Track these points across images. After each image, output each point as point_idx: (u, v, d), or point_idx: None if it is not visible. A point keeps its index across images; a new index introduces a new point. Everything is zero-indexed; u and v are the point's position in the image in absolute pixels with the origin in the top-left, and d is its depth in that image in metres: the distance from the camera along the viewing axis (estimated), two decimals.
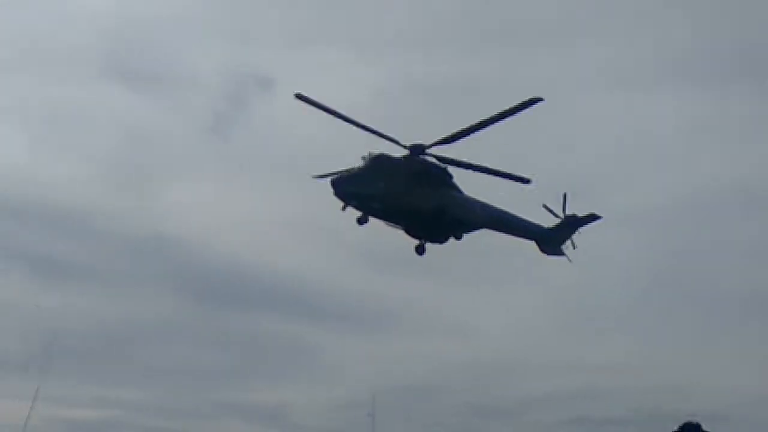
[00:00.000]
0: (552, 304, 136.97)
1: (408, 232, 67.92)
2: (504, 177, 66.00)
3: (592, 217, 73.66)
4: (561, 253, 73.41)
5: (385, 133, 64.67)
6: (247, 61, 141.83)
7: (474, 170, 66.05)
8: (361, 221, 64.73)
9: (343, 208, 64.14)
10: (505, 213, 71.14)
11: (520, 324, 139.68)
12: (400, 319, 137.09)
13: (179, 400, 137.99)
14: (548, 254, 73.27)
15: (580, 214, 73.49)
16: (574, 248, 73.63)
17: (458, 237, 68.23)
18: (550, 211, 73.23)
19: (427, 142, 65.77)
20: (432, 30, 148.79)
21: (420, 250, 68.41)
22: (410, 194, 65.50)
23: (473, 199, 69.09)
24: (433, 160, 66.44)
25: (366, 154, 65.52)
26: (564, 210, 73.39)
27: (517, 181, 66.02)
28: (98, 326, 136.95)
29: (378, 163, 65.00)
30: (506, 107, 61.86)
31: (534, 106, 61.03)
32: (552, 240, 73.12)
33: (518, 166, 66.00)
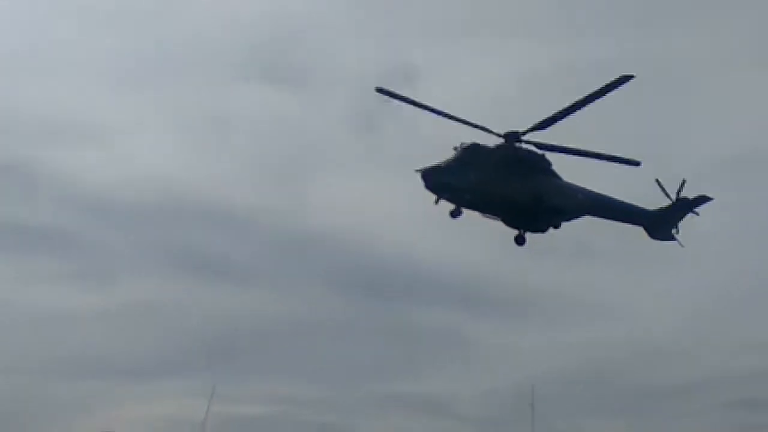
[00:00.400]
0: (708, 283, 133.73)
1: (506, 222, 65.93)
2: (610, 160, 63.30)
3: (703, 199, 70.32)
4: (671, 237, 69.95)
5: (476, 123, 62.68)
6: (392, 54, 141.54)
7: (576, 155, 63.65)
8: (454, 214, 62.83)
9: (436, 201, 62.48)
10: (609, 198, 68.06)
11: (678, 305, 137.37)
12: (554, 306, 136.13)
13: (344, 394, 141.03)
14: (658, 239, 70.33)
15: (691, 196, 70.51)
16: (677, 232, 70.57)
17: (556, 225, 66.17)
18: (663, 189, 69.94)
19: (522, 129, 63.51)
20: (577, 15, 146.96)
21: (520, 240, 66.14)
22: (504, 183, 63.28)
23: (573, 185, 66.48)
24: (531, 147, 64.68)
25: (458, 144, 64.54)
26: (678, 193, 69.83)
27: (624, 163, 63.09)
28: (265, 324, 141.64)
29: (470, 153, 62.98)
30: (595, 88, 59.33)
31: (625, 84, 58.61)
32: (661, 224, 69.67)
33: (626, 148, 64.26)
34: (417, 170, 64.09)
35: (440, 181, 62.04)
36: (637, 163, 62.91)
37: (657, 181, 70.09)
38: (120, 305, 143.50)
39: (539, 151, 64.88)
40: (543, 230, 66.33)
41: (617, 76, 58.74)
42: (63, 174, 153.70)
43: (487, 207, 64.40)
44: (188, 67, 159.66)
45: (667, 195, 70.11)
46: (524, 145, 64.47)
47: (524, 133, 63.55)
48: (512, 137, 63.87)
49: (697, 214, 70.04)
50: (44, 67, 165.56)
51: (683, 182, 70.11)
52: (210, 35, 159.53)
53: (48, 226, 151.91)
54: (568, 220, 66.58)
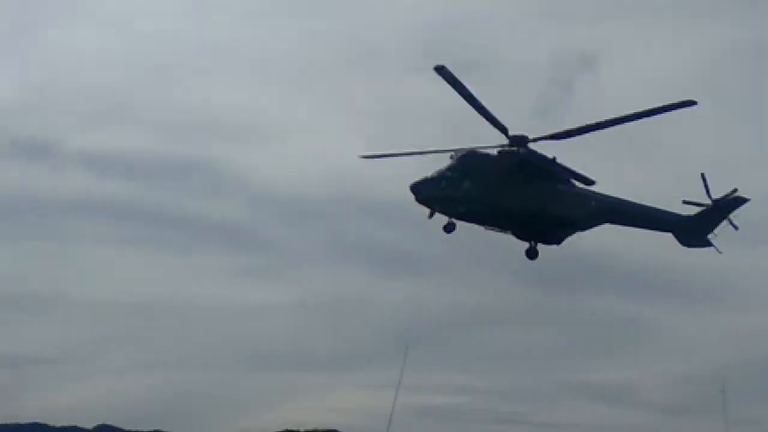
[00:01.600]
0: None
1: (515, 235, 60.13)
2: (661, 112, 54.76)
3: (741, 201, 63.06)
4: (707, 243, 63.09)
5: (495, 117, 56.90)
6: (567, 39, 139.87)
7: (612, 125, 55.99)
8: (447, 229, 57.78)
9: (430, 215, 57.45)
10: (630, 203, 61.67)
11: None
12: (739, 290, 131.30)
13: (527, 383, 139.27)
14: (690, 246, 63.17)
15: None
16: (736, 229, 63.30)
17: (564, 237, 59.89)
18: (706, 186, 63.44)
19: (531, 135, 57.73)
20: None
21: (531, 254, 60.40)
22: (504, 193, 57.88)
23: (586, 191, 60.05)
24: (541, 149, 58.34)
25: (453, 152, 58.64)
26: (708, 193, 63.07)
27: (678, 108, 54.18)
28: (446, 315, 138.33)
29: (465, 161, 57.88)
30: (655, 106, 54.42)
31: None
32: (692, 230, 62.95)
33: None
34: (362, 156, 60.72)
35: (430, 193, 57.20)
36: (693, 103, 53.73)
37: (702, 176, 63.48)
38: (303, 299, 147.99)
39: (548, 156, 58.72)
40: (556, 242, 60.05)
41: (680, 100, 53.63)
42: (243, 171, 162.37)
43: (485, 219, 59.10)
44: (360, 61, 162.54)
45: (708, 194, 63.21)
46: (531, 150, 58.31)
47: (534, 141, 57.90)
48: (518, 142, 58.12)
49: (735, 227, 62.85)
50: (218, 67, 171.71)
51: (703, 178, 63.37)
52: (381, 29, 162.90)
53: (230, 222, 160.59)
54: (583, 229, 60.67)
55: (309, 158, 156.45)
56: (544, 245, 60.46)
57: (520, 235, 60.06)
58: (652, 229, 62.45)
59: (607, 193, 60.87)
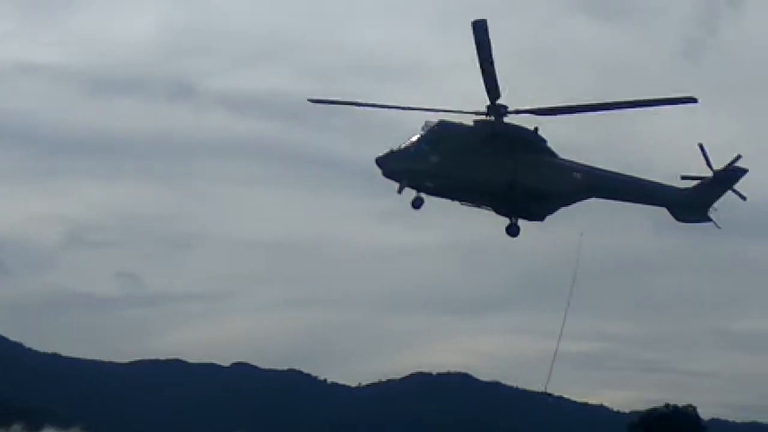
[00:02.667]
0: None
1: (495, 210, 55.88)
2: (662, 104, 52.62)
3: (741, 171, 58.36)
4: (705, 218, 58.64)
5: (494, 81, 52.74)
6: None
7: (602, 109, 53.49)
8: (415, 203, 54.54)
9: (399, 190, 54.27)
10: (619, 176, 57.50)
11: None
12: None
13: (666, 330, 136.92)
14: (687, 221, 58.57)
15: None
16: (743, 199, 59.29)
17: (545, 212, 55.70)
18: (705, 157, 59.09)
19: (512, 106, 53.95)
20: None
21: (512, 230, 56.59)
22: (477, 166, 54.27)
23: (570, 162, 56.20)
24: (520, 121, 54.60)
25: (425, 123, 55.03)
26: (708, 164, 58.50)
27: (679, 103, 52.43)
28: (591, 262, 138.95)
29: (435, 132, 54.49)
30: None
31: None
32: (689, 204, 58.50)
33: None
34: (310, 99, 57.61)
35: (396, 167, 54.08)
36: (694, 100, 51.23)
37: (700, 146, 59.13)
38: (444, 242, 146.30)
39: (527, 128, 54.84)
40: (538, 218, 55.90)
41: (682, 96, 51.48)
42: (388, 112, 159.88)
43: (456, 194, 55.56)
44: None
45: (708, 165, 58.64)
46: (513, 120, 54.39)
47: (518, 112, 54.35)
48: (496, 111, 53.86)
49: (743, 197, 58.03)
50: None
51: (737, 157, 58.67)
52: None
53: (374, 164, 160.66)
54: (566, 204, 56.71)
55: (455, 99, 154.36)
56: (527, 221, 56.10)
57: (499, 211, 56.32)
58: (644, 203, 58.21)
59: (594, 165, 56.49)
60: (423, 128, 54.65)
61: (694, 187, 58.66)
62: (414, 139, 54.36)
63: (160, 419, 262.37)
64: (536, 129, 54.82)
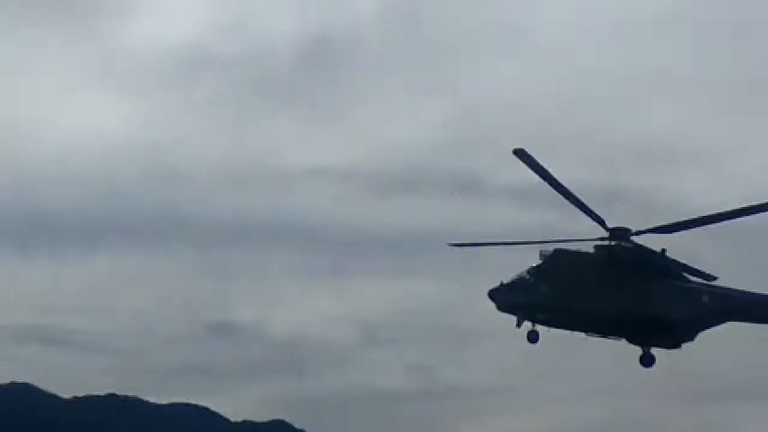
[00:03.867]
0: None
1: (628, 339, 53.68)
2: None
3: None
4: None
5: (589, 208, 51.14)
6: None
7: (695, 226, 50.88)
8: (530, 338, 52.73)
9: (518, 324, 52.72)
10: (755, 296, 53.47)
11: None
12: None
13: None
14: None
15: None
16: None
17: (681, 339, 53.30)
18: None
19: (634, 228, 51.87)
20: None
21: (646, 360, 53.46)
22: (593, 296, 51.90)
23: (700, 285, 53.28)
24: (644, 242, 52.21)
25: (539, 252, 53.13)
26: None
27: None
28: None
29: (549, 262, 52.50)
30: None
31: None
32: None
33: None
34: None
35: (507, 299, 52.79)
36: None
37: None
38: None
39: (653, 249, 52.54)
40: (673, 346, 53.43)
41: None
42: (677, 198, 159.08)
43: (577, 325, 53.01)
44: None
45: None
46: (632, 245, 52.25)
47: (636, 234, 51.91)
48: (619, 234, 51.89)
49: None
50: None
51: None
52: None
53: None
54: (702, 329, 53.46)
55: (745, 183, 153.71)
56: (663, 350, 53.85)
57: (630, 340, 53.55)
58: None
59: (728, 286, 53.86)
60: (540, 257, 52.79)
61: None
62: (527, 269, 52.68)
63: None
64: (663, 251, 52.39)
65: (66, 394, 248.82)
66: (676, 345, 53.49)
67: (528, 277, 52.31)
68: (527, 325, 52.98)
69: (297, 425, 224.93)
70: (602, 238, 52.27)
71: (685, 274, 53.40)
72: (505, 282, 52.77)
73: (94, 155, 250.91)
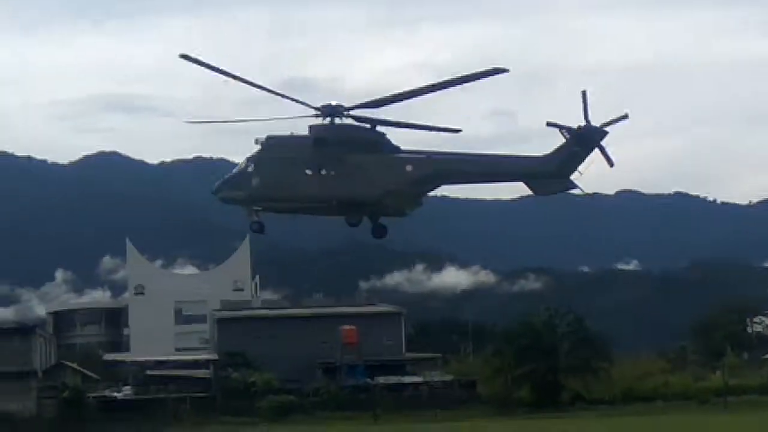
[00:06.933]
0: None
1: (350, 217, 53.21)
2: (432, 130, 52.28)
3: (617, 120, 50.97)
4: (569, 186, 52.21)
5: (286, 94, 50.46)
6: None
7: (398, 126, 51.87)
8: (253, 227, 52.85)
9: (249, 216, 52.51)
10: (465, 156, 52.67)
11: None
12: None
13: None
14: (548, 194, 53.66)
15: None
16: (611, 165, 51.53)
17: (404, 207, 53.13)
18: (585, 106, 50.29)
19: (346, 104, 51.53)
20: None
21: (378, 232, 53.73)
22: (315, 177, 51.31)
23: (411, 152, 52.10)
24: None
25: (257, 138, 52.13)
26: (586, 116, 50.52)
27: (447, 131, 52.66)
28: None
29: (264, 149, 51.64)
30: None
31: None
32: (548, 173, 51.77)
33: None
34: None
35: (228, 194, 52.72)
36: (457, 131, 51.48)
37: (583, 93, 50.53)
38: None
39: (366, 126, 52.11)
40: (400, 214, 53.79)
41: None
42: None
43: (298, 210, 53.57)
44: None
45: (585, 116, 50.42)
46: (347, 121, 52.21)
47: (349, 109, 51.38)
48: (331, 112, 51.44)
49: (611, 162, 52.13)
50: None
51: (584, 96, 50.74)
52: None
53: None
54: (416, 197, 52.89)
55: None
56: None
57: (352, 217, 53.00)
58: (497, 181, 53.68)
59: (436, 150, 52.79)
60: (256, 144, 51.97)
61: (553, 152, 51.73)
62: (244, 160, 52.38)
63: None
64: (374, 125, 51.94)
65: (153, 160, 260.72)
66: (400, 213, 53.72)
67: (246, 166, 52.23)
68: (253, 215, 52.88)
69: None
70: (314, 116, 51.57)
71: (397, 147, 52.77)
72: (226, 176, 52.96)
73: None
